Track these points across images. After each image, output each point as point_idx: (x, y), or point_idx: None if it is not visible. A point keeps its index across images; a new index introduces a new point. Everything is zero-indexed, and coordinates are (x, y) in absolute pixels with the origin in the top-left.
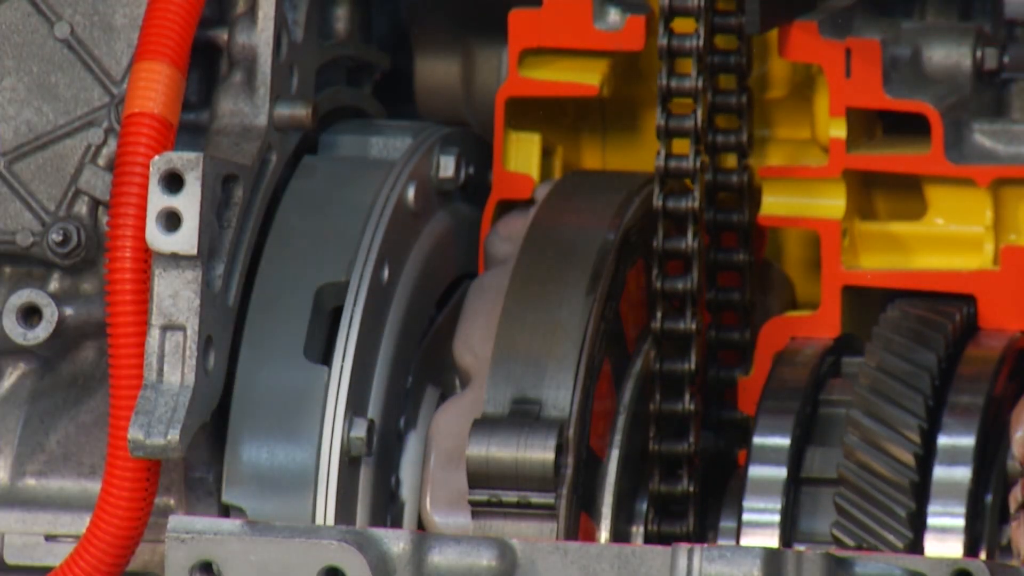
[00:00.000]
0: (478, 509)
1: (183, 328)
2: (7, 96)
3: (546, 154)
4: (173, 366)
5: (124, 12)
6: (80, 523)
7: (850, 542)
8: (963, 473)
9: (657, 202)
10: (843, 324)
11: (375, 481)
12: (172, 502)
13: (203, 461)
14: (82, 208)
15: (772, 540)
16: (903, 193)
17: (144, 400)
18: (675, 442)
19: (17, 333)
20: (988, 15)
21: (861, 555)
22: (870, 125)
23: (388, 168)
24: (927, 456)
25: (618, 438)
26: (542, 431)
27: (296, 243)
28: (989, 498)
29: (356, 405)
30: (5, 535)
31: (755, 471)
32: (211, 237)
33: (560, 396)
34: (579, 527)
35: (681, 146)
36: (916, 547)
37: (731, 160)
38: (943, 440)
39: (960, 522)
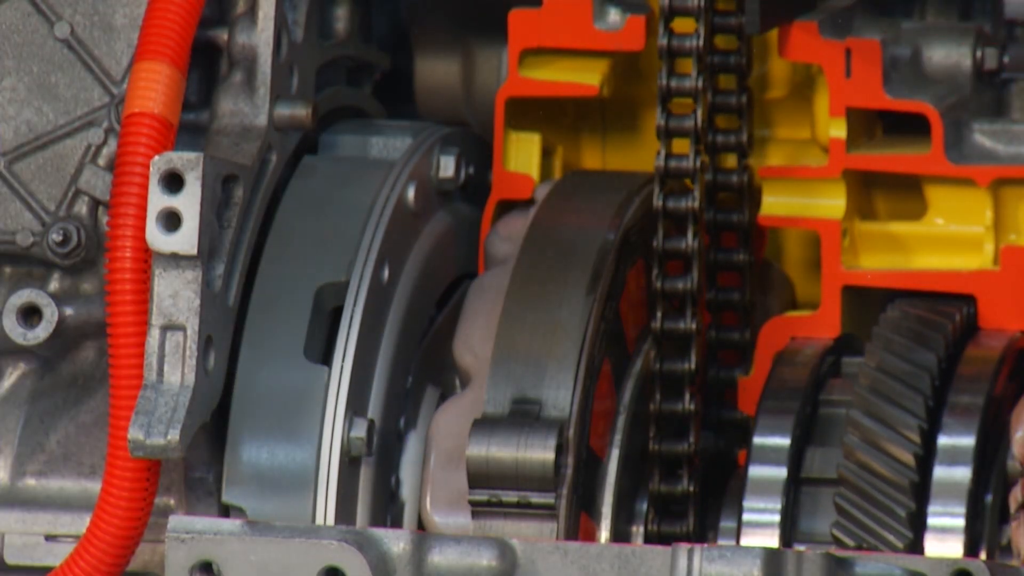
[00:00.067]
0: (478, 509)
1: (183, 328)
2: (7, 96)
3: (546, 154)
4: (173, 366)
5: (124, 12)
6: (80, 523)
7: (850, 542)
8: (963, 473)
9: (657, 202)
10: (843, 324)
11: (375, 481)
12: (172, 502)
13: (203, 461)
14: (82, 208)
15: (772, 540)
16: (903, 193)
17: (144, 400)
18: (675, 442)
19: (17, 333)
20: (988, 15)
21: (861, 555)
22: (870, 125)
23: (388, 168)
24: (927, 456)
25: (618, 438)
26: (542, 431)
27: (296, 243)
28: (989, 498)
29: (356, 405)
30: (5, 535)
31: (755, 471)
32: (211, 237)
33: (560, 396)
34: (579, 527)
35: (681, 146)
36: (916, 547)
37: (731, 160)
38: (943, 440)
39: (960, 522)
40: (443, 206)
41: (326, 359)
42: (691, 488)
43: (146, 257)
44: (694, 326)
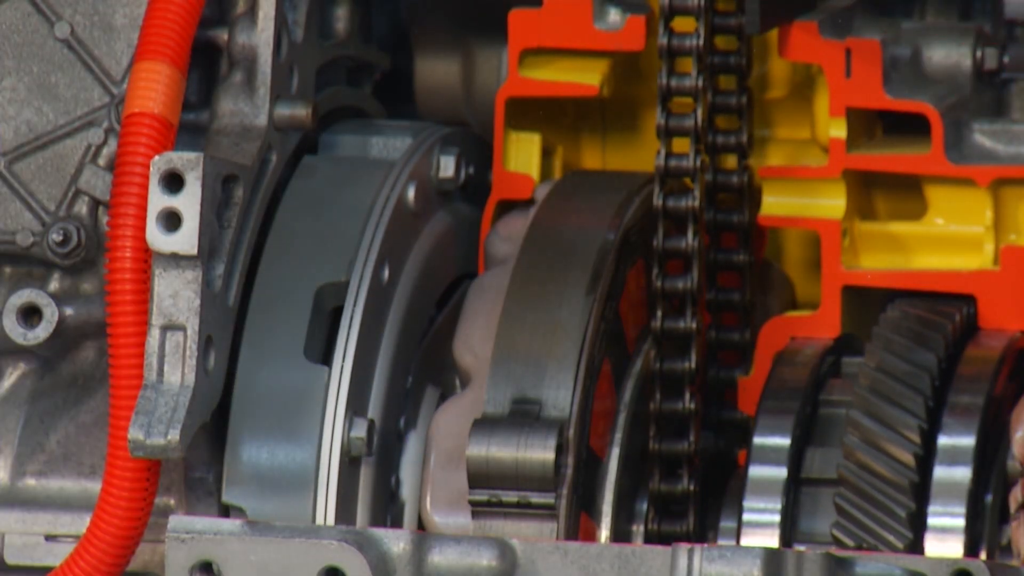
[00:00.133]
0: (478, 509)
1: (183, 328)
2: (7, 96)
3: (546, 154)
4: (173, 366)
5: (124, 12)
6: (80, 523)
7: (850, 542)
8: (963, 473)
9: (657, 201)
10: (843, 324)
11: (375, 481)
12: (172, 502)
13: (203, 461)
14: (82, 208)
15: (772, 540)
16: (903, 193)
17: (144, 400)
18: (675, 441)
19: (17, 333)
20: (988, 15)
21: (861, 555)
22: (870, 125)
23: (388, 168)
24: (927, 456)
25: (618, 438)
26: (542, 431)
27: (296, 243)
28: (989, 498)
29: (356, 405)
30: (5, 535)
31: (755, 471)
32: (211, 237)
33: (560, 396)
34: (579, 527)
35: (681, 145)
36: (916, 547)
37: (731, 161)
38: (943, 440)
39: (960, 522)
40: (443, 206)
41: (326, 359)
42: (691, 487)
43: (146, 257)
44: (694, 325)
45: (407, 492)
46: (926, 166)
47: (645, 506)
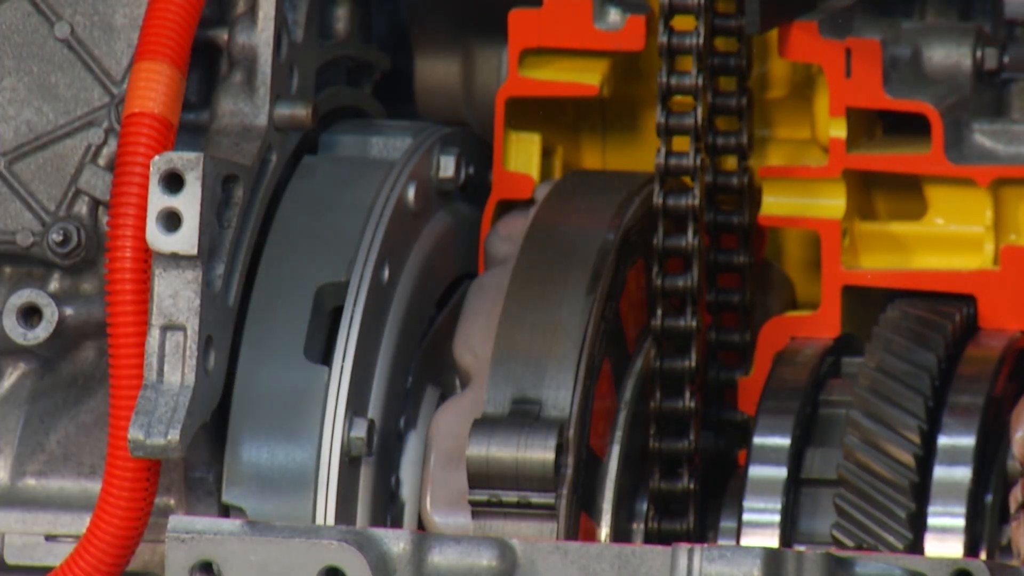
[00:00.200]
0: (478, 509)
1: (183, 328)
2: (7, 96)
3: (546, 154)
4: (173, 366)
5: (124, 12)
6: (80, 523)
7: (850, 543)
8: (963, 473)
9: (657, 200)
10: (843, 324)
11: (375, 481)
12: (172, 502)
13: (203, 461)
14: (82, 208)
15: (772, 540)
16: (903, 193)
17: (144, 400)
18: (675, 440)
19: (17, 333)
20: (988, 15)
21: (861, 555)
22: (870, 125)
23: (388, 168)
24: (927, 457)
25: (618, 438)
26: (542, 431)
27: (296, 243)
28: (989, 498)
29: (356, 405)
30: (5, 535)
31: (755, 471)
32: (211, 237)
33: (560, 396)
34: (579, 527)
35: (681, 144)
36: (916, 548)
37: (731, 162)
38: (943, 440)
39: (960, 522)
40: (443, 206)
41: (326, 359)
42: (691, 486)
43: (146, 257)
44: (694, 324)
45: (407, 492)
46: (926, 166)
47: (645, 506)
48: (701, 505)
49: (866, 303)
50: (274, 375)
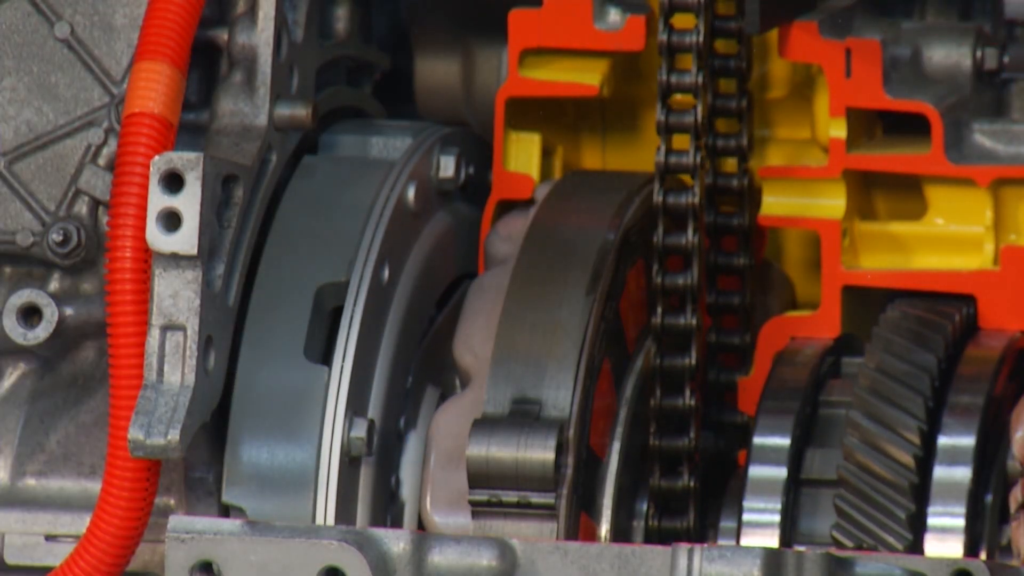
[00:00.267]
0: (478, 509)
1: (183, 328)
2: (7, 96)
3: (546, 154)
4: (173, 366)
5: (124, 12)
6: (80, 523)
7: (850, 544)
8: (963, 473)
9: (657, 198)
10: (843, 324)
11: (375, 481)
12: (172, 502)
13: (203, 461)
14: (82, 208)
15: (772, 540)
16: (903, 193)
17: (144, 400)
18: (675, 437)
19: (17, 333)
20: (988, 15)
21: (861, 555)
22: (870, 125)
23: (388, 168)
24: (927, 457)
25: (618, 438)
26: (542, 431)
27: (296, 243)
28: (989, 498)
29: (356, 405)
30: (5, 535)
31: (755, 471)
32: (211, 237)
33: (560, 396)
34: (579, 527)
35: (681, 142)
36: (916, 549)
37: (731, 164)
38: (943, 440)
39: (960, 522)
40: (443, 206)
41: (326, 359)
42: (691, 484)
43: (146, 257)
44: (694, 321)
45: (407, 492)
46: (926, 166)
47: (645, 506)
48: (701, 503)
49: (866, 303)
50: (274, 375)
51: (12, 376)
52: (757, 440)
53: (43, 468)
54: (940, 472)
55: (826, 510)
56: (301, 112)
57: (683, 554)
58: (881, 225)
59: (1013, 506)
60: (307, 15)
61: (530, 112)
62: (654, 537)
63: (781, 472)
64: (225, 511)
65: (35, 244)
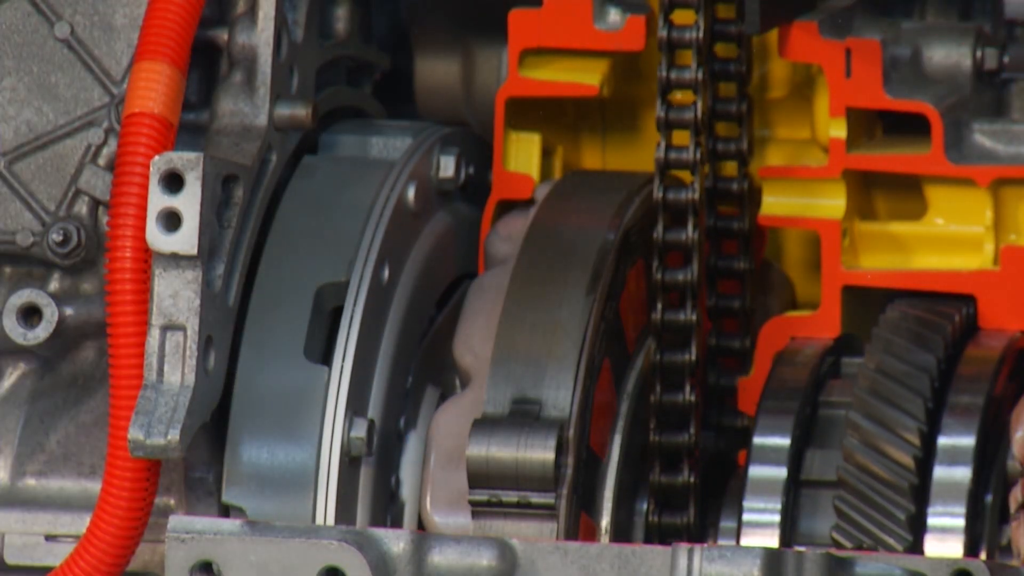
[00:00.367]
0: (478, 509)
1: (183, 328)
2: (7, 96)
3: (546, 154)
4: (173, 366)
5: (124, 12)
6: (80, 523)
7: (849, 545)
8: (963, 473)
9: (657, 194)
10: (843, 324)
11: (375, 481)
12: (172, 502)
13: (203, 461)
14: (82, 208)
15: (772, 540)
16: (903, 193)
17: (144, 400)
18: (675, 434)
19: (17, 333)
20: (988, 15)
21: (861, 555)
22: (870, 125)
23: (388, 168)
24: (927, 458)
25: (618, 437)
26: (542, 431)
27: (296, 243)
28: (989, 498)
29: (356, 405)
30: (5, 535)
31: (755, 471)
32: (211, 237)
33: (560, 396)
34: (579, 526)
35: (681, 138)
36: (916, 549)
37: (731, 167)
38: (943, 440)
39: (960, 522)
40: (443, 206)
41: (326, 359)
42: (691, 480)
43: (146, 257)
44: (694, 317)
45: (407, 492)
46: (926, 166)
47: (645, 505)
48: (701, 500)
49: (866, 303)
50: (274, 375)
51: (12, 376)
52: (757, 440)
53: (43, 468)
54: (940, 472)
55: (826, 511)
56: (301, 112)
57: (683, 554)
58: (881, 225)
59: (1013, 506)
60: (307, 15)
61: (530, 112)
62: (654, 533)
63: (781, 472)
64: (225, 511)
65: (35, 244)
